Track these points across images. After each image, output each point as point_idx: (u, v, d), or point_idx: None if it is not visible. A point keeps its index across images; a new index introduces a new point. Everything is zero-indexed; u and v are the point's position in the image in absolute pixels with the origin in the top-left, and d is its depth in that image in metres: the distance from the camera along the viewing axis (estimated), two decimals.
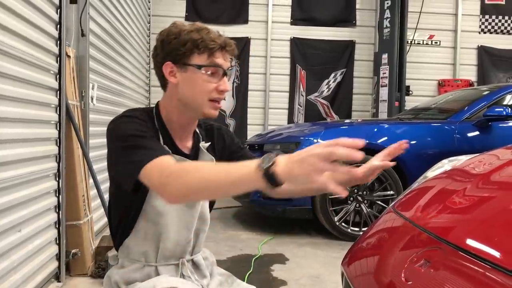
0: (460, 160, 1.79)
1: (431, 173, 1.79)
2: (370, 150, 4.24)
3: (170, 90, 1.33)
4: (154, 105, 1.39)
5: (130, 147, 1.19)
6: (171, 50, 1.28)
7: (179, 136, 1.38)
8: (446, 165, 1.83)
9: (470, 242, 1.04)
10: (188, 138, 1.41)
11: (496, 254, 0.96)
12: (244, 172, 0.98)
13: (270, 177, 0.94)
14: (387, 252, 1.25)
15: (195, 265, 1.41)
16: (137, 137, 1.21)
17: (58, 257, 2.69)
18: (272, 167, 0.94)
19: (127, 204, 1.33)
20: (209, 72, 1.29)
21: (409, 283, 1.01)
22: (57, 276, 2.69)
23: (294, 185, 0.99)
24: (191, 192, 1.07)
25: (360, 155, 0.87)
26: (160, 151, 1.17)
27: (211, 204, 1.51)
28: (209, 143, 1.44)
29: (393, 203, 1.65)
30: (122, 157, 1.21)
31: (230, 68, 1.34)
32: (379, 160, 1.39)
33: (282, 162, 0.94)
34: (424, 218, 1.29)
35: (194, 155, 1.40)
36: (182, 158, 1.31)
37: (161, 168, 1.11)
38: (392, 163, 1.36)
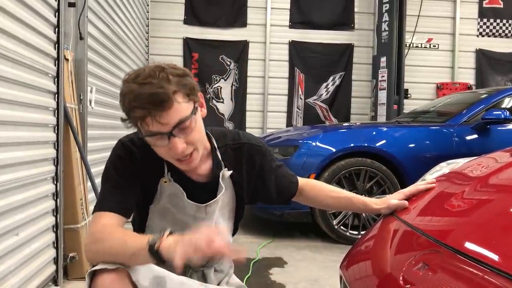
0: (458, 163, 1.79)
1: (429, 176, 1.79)
2: (369, 153, 4.24)
3: None
4: None
5: (102, 181, 1.28)
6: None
7: None
8: (444, 168, 1.83)
9: (469, 245, 1.04)
10: (201, 167, 1.32)
11: (495, 257, 0.96)
12: (138, 247, 1.07)
13: (155, 254, 1.03)
14: (386, 255, 1.24)
15: (204, 277, 1.39)
16: (109, 174, 1.26)
17: (55, 261, 2.68)
18: (157, 245, 1.03)
19: (135, 218, 1.38)
20: (152, 139, 1.18)
21: (407, 286, 1.01)
22: (54, 280, 2.68)
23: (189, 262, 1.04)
24: (99, 260, 1.12)
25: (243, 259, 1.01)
26: (110, 203, 1.21)
27: (236, 222, 1.50)
28: (231, 171, 1.36)
29: None
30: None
31: (177, 126, 1.15)
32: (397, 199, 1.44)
33: (170, 240, 1.03)
34: (422, 221, 1.29)
35: (213, 183, 1.34)
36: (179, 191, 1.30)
37: (93, 226, 1.19)
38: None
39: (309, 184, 1.57)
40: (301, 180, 1.57)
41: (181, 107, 1.14)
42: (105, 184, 1.25)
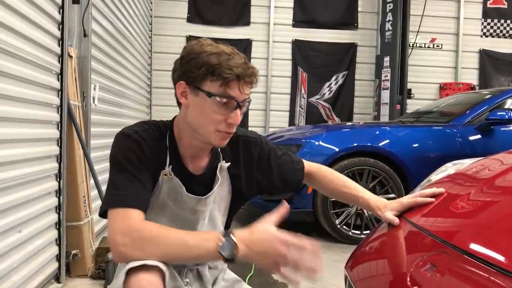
0: (464, 164, 1.78)
1: (435, 176, 1.78)
2: (372, 153, 4.23)
3: (183, 109, 1.28)
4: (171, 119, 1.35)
5: (113, 174, 1.21)
6: (186, 70, 1.21)
7: (192, 155, 1.32)
8: (449, 168, 1.82)
9: (476, 246, 1.03)
10: (202, 157, 1.34)
11: (503, 258, 0.95)
12: (204, 251, 1.06)
13: (229, 260, 1.04)
14: (392, 256, 1.23)
15: (199, 275, 1.38)
16: (122, 166, 1.20)
17: (58, 258, 2.68)
18: (235, 253, 1.04)
19: None
20: (220, 102, 1.20)
21: (415, 287, 1.00)
22: (57, 277, 2.68)
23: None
24: (143, 258, 1.08)
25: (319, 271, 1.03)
26: (132, 199, 1.16)
27: (230, 217, 1.48)
28: (229, 163, 1.37)
29: None
30: (109, 179, 1.23)
31: (246, 100, 1.24)
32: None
33: (243, 250, 1.04)
34: (429, 222, 1.28)
35: (209, 175, 1.34)
36: (179, 184, 1.28)
37: (123, 224, 1.12)
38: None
39: (320, 172, 1.57)
40: (311, 166, 1.57)
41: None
42: (119, 178, 1.19)
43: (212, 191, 1.33)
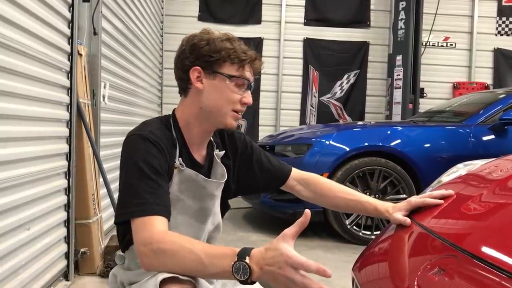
0: (475, 165, 1.74)
1: (446, 177, 1.74)
2: (383, 153, 4.18)
3: (192, 96, 1.31)
4: (170, 113, 1.37)
5: (133, 180, 1.18)
6: (202, 56, 1.27)
7: (197, 145, 1.36)
8: (461, 169, 1.78)
9: (487, 250, 1.00)
10: (204, 147, 1.39)
11: None
12: (219, 270, 1.03)
13: (244, 282, 1.01)
14: (400, 258, 1.21)
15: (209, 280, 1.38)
16: (143, 173, 1.18)
17: (66, 256, 2.69)
18: (249, 278, 1.00)
19: None
20: (237, 84, 1.29)
21: None
22: (65, 275, 2.69)
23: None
24: (165, 271, 1.09)
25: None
26: (156, 207, 1.15)
27: (222, 212, 1.48)
28: (223, 151, 1.43)
29: None
30: (124, 185, 1.21)
31: (253, 81, 1.35)
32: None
33: (257, 272, 1.00)
34: (438, 224, 1.25)
35: (208, 165, 1.39)
36: (194, 174, 1.30)
37: (146, 234, 1.11)
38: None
39: (317, 179, 1.56)
40: (305, 173, 1.58)
41: None
42: (140, 184, 1.17)
43: (225, 176, 1.38)
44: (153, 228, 1.12)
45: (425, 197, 1.39)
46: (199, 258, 1.05)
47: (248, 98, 1.32)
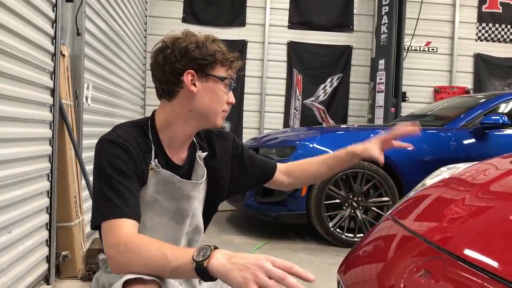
0: (458, 168, 1.77)
1: (430, 180, 1.77)
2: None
3: (181, 99, 1.31)
4: (149, 116, 1.37)
5: (101, 185, 1.19)
6: (194, 59, 1.28)
7: (176, 147, 1.35)
8: (444, 173, 1.81)
9: (471, 252, 1.02)
10: (184, 149, 1.38)
11: (497, 264, 0.94)
12: (181, 263, 1.02)
13: (202, 272, 0.98)
14: (385, 261, 1.22)
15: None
16: (110, 177, 1.18)
17: (48, 259, 2.64)
18: (206, 261, 0.97)
19: None
20: (227, 84, 1.33)
21: None
22: (46, 279, 2.65)
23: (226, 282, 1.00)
24: (132, 271, 1.07)
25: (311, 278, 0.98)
26: (125, 209, 1.15)
27: (209, 215, 1.48)
28: (206, 152, 1.42)
29: (390, 210, 1.63)
30: (94, 190, 1.22)
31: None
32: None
33: (220, 259, 0.97)
34: (423, 227, 1.27)
35: (188, 165, 1.38)
36: (170, 176, 1.30)
37: (114, 236, 1.12)
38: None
39: (295, 163, 1.66)
40: (284, 164, 1.65)
41: None
42: (108, 188, 1.18)
43: (204, 176, 1.38)
44: (121, 230, 1.12)
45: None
46: (163, 254, 1.05)
47: (232, 97, 1.36)
